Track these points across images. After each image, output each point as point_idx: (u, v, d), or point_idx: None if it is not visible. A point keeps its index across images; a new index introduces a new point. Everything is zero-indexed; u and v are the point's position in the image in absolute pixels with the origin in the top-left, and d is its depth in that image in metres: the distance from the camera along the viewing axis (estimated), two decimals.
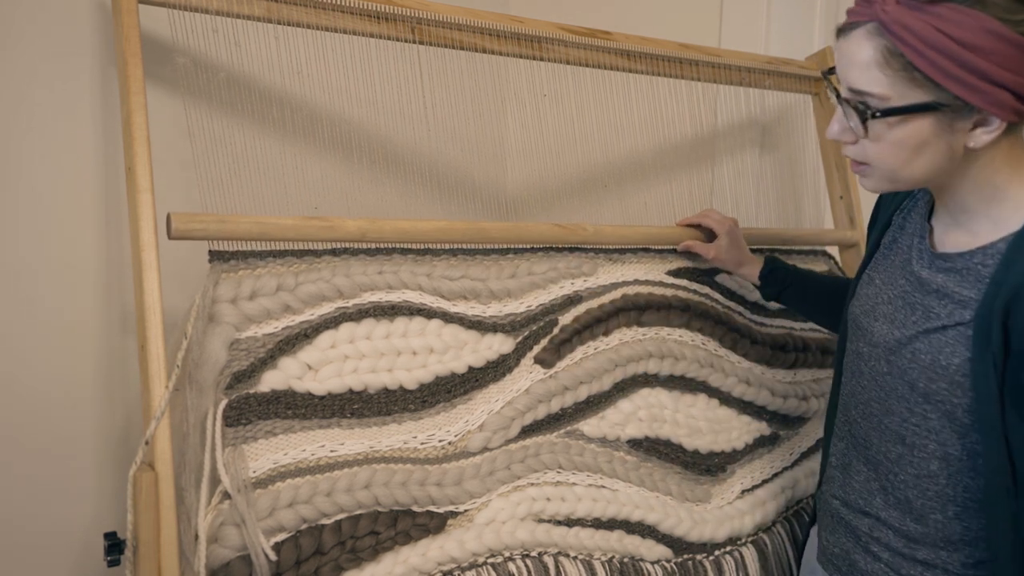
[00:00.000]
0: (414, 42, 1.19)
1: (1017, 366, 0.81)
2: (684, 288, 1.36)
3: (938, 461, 0.91)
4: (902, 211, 1.03)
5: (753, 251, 1.39)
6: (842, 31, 0.84)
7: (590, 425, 1.24)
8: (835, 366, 1.10)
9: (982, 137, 0.81)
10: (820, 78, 1.55)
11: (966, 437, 0.88)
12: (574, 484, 1.20)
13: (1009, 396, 0.82)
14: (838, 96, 0.85)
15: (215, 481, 0.96)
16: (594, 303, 1.27)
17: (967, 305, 0.86)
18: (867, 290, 1.01)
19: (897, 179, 0.86)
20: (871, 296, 1.00)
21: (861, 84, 0.82)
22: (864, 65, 0.81)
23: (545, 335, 1.23)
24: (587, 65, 1.34)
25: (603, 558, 1.19)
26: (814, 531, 1.15)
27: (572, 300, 1.26)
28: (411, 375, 1.12)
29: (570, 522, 1.18)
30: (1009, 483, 0.84)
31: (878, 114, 0.81)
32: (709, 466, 1.32)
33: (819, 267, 1.55)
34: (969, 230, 0.89)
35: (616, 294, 1.29)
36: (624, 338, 1.28)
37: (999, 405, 0.83)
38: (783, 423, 1.43)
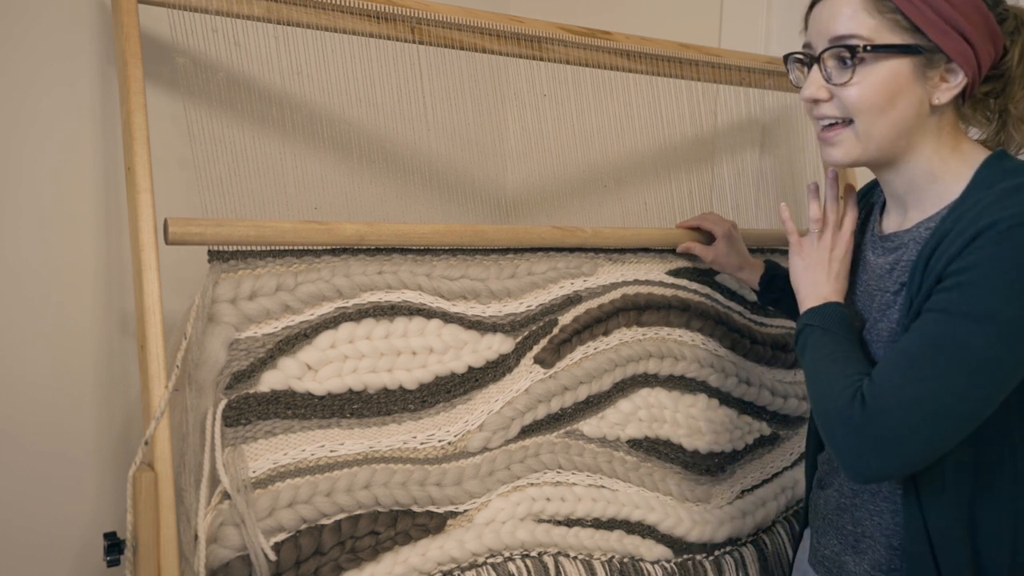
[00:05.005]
0: (414, 42, 1.19)
1: (919, 294, 0.85)
2: (684, 288, 1.36)
3: None
4: (860, 225, 1.07)
5: (753, 252, 1.38)
6: None
7: (590, 425, 1.24)
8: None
9: (946, 93, 0.88)
10: None
11: None
12: (574, 484, 1.20)
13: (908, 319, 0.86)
14: (816, 60, 0.90)
15: (215, 481, 0.96)
16: (594, 303, 1.27)
17: (909, 268, 0.90)
18: None
19: (871, 135, 0.89)
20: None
21: (848, 29, 0.87)
22: (851, 13, 0.87)
23: (545, 335, 1.23)
24: (587, 65, 1.34)
25: (603, 558, 1.19)
26: (807, 533, 1.15)
27: (572, 300, 1.26)
28: (411, 375, 1.12)
29: (570, 522, 1.18)
30: None
31: (868, 48, 0.86)
32: (709, 466, 1.32)
33: None
34: (916, 209, 0.93)
35: (616, 294, 1.29)
36: (624, 338, 1.28)
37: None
38: (783, 423, 1.43)
